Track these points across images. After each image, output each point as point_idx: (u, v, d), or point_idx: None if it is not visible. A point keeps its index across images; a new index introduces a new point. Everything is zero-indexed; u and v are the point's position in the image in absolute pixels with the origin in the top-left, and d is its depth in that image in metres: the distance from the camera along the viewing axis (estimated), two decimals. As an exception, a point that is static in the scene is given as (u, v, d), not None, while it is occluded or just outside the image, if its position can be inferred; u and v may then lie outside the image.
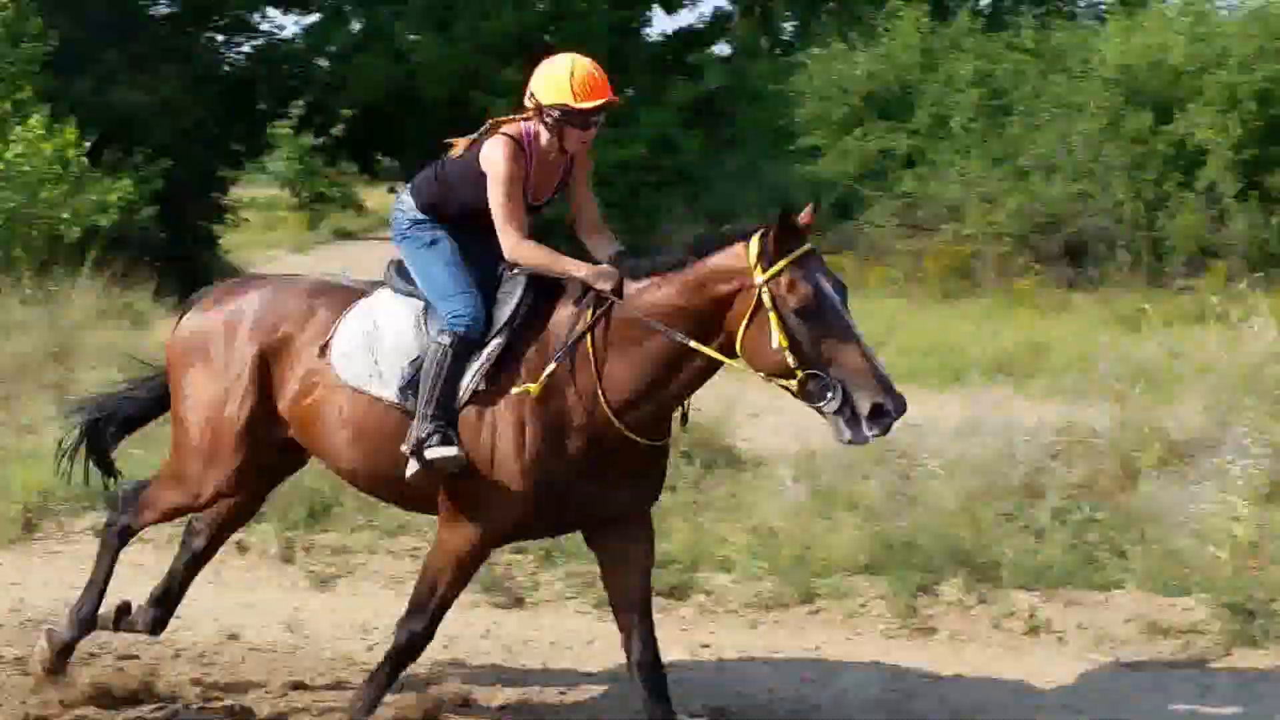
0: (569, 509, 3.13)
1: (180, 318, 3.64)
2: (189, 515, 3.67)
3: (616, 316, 2.95)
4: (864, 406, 2.67)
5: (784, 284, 2.75)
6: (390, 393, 3.11)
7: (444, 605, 3.16)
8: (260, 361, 3.28)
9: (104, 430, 3.76)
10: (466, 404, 3.01)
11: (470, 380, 3.01)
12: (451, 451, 2.92)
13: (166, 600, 3.63)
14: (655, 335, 2.90)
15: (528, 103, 3.15)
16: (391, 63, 20.64)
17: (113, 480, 3.79)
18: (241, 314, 3.40)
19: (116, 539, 3.63)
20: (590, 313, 2.96)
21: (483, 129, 3.25)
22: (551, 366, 2.92)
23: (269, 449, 3.37)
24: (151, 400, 3.76)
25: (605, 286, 2.96)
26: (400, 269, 3.30)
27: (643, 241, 10.10)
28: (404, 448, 2.97)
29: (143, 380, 3.89)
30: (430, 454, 2.92)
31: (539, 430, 2.98)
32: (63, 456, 3.79)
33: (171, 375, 3.52)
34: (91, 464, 3.75)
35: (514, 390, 2.97)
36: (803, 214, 2.92)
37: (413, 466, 2.97)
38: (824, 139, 16.74)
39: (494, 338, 3.04)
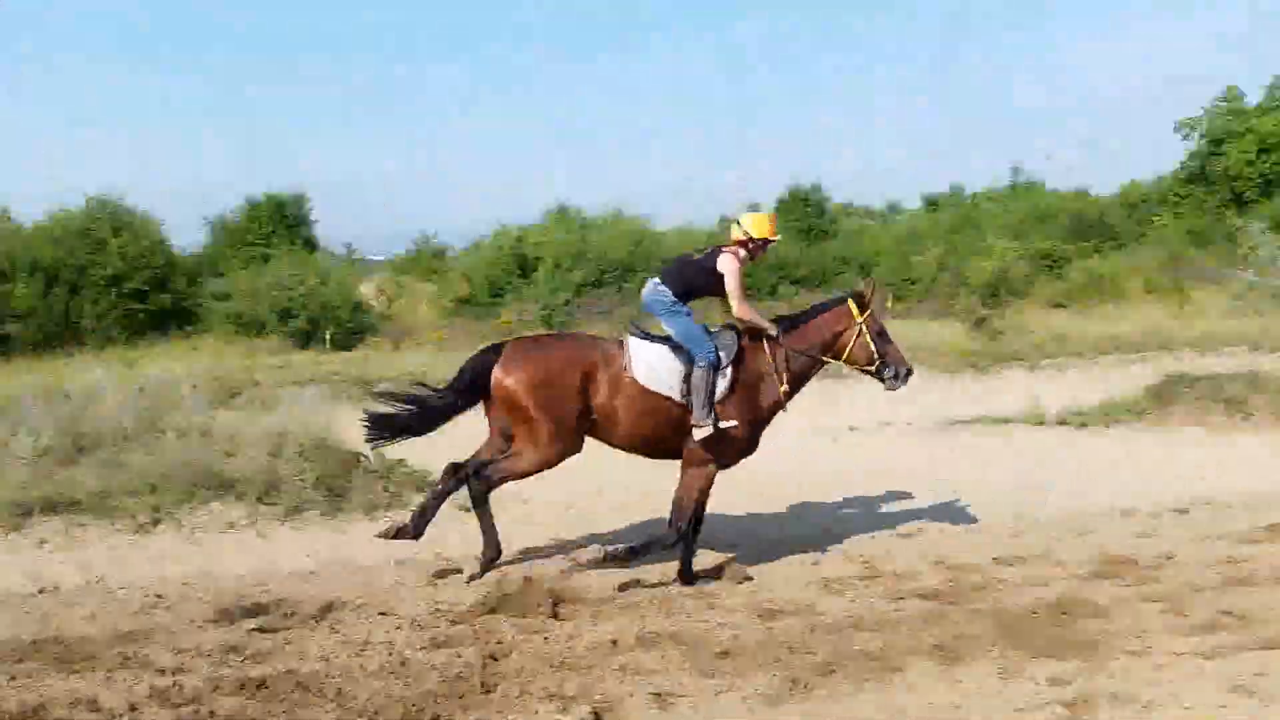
0: (756, 445, 6.22)
1: (507, 363, 5.84)
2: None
3: (784, 348, 6.19)
4: (903, 373, 6.38)
5: (871, 321, 6.38)
6: (675, 394, 5.87)
7: (696, 511, 6.01)
8: (583, 383, 5.81)
9: (408, 417, 6.01)
10: (720, 400, 5.91)
11: (723, 386, 5.93)
12: (720, 424, 5.83)
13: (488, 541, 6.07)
14: (803, 357, 6.27)
15: (738, 234, 6.19)
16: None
17: (385, 445, 6.18)
18: (566, 359, 5.89)
19: (483, 498, 5.95)
20: (778, 348, 6.19)
21: (706, 250, 6.27)
22: (777, 377, 6.13)
23: (582, 433, 5.94)
24: (446, 406, 6.02)
25: (775, 333, 6.19)
26: (641, 330, 6.15)
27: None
28: (693, 422, 5.82)
29: (437, 392, 6.10)
30: (706, 429, 5.80)
31: (756, 408, 6.10)
32: (374, 425, 6.01)
33: (523, 397, 5.74)
34: (391, 435, 6.04)
35: (767, 389, 6.13)
36: (867, 286, 6.49)
37: (697, 435, 5.82)
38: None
39: (728, 366, 5.99)
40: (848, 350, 6.28)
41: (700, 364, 5.81)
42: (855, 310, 6.27)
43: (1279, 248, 19.74)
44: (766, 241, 6.16)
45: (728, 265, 6.02)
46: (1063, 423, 10.50)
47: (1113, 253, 26.70)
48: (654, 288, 6.08)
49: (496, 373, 5.81)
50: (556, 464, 5.89)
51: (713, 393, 5.82)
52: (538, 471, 5.91)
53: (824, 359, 6.31)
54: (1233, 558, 6.18)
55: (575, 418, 5.79)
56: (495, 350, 5.99)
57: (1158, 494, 7.98)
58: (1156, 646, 4.62)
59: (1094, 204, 32.16)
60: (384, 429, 6.01)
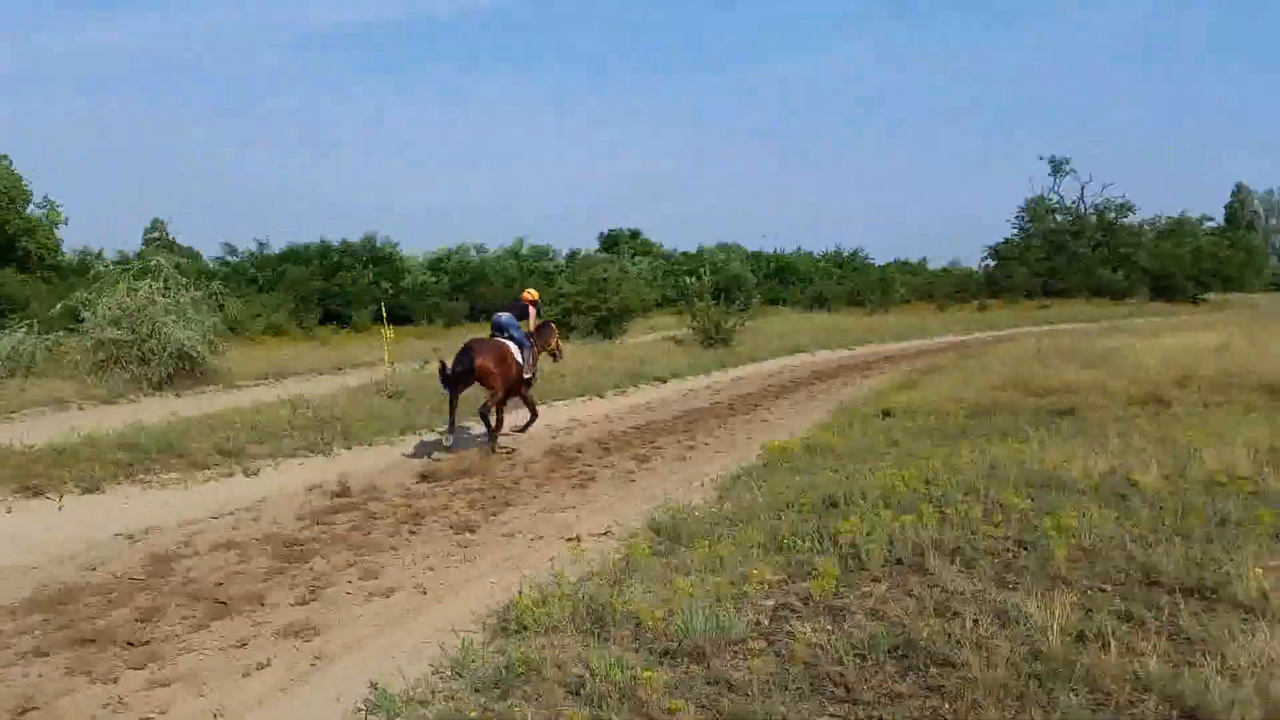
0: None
1: (474, 350, 11.30)
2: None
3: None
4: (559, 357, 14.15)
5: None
6: (526, 365, 12.01)
7: (530, 409, 12.80)
8: (504, 357, 11.50)
9: (450, 378, 11.24)
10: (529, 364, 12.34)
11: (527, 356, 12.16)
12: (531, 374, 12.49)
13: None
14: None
15: (529, 295, 13.15)
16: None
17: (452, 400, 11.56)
18: (503, 346, 11.69)
19: (485, 410, 11.33)
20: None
21: (522, 296, 13.03)
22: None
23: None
24: (463, 373, 11.17)
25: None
26: (509, 335, 12.08)
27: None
28: (527, 375, 12.18)
29: (456, 366, 11.21)
30: (530, 375, 12.43)
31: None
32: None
33: (493, 369, 11.21)
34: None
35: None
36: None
37: (527, 376, 12.32)
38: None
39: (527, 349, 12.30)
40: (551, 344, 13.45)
41: (526, 348, 12.12)
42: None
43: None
44: (536, 301, 13.07)
45: (530, 309, 12.80)
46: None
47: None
48: (507, 317, 12.41)
49: (477, 358, 11.26)
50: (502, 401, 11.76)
51: (531, 360, 12.21)
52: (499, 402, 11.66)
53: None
54: None
55: (512, 378, 11.78)
56: (469, 349, 11.41)
57: None
58: None
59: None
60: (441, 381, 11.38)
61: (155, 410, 13.63)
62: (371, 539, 7.48)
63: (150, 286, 17.72)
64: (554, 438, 12.45)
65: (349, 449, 11.35)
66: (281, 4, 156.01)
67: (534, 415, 12.62)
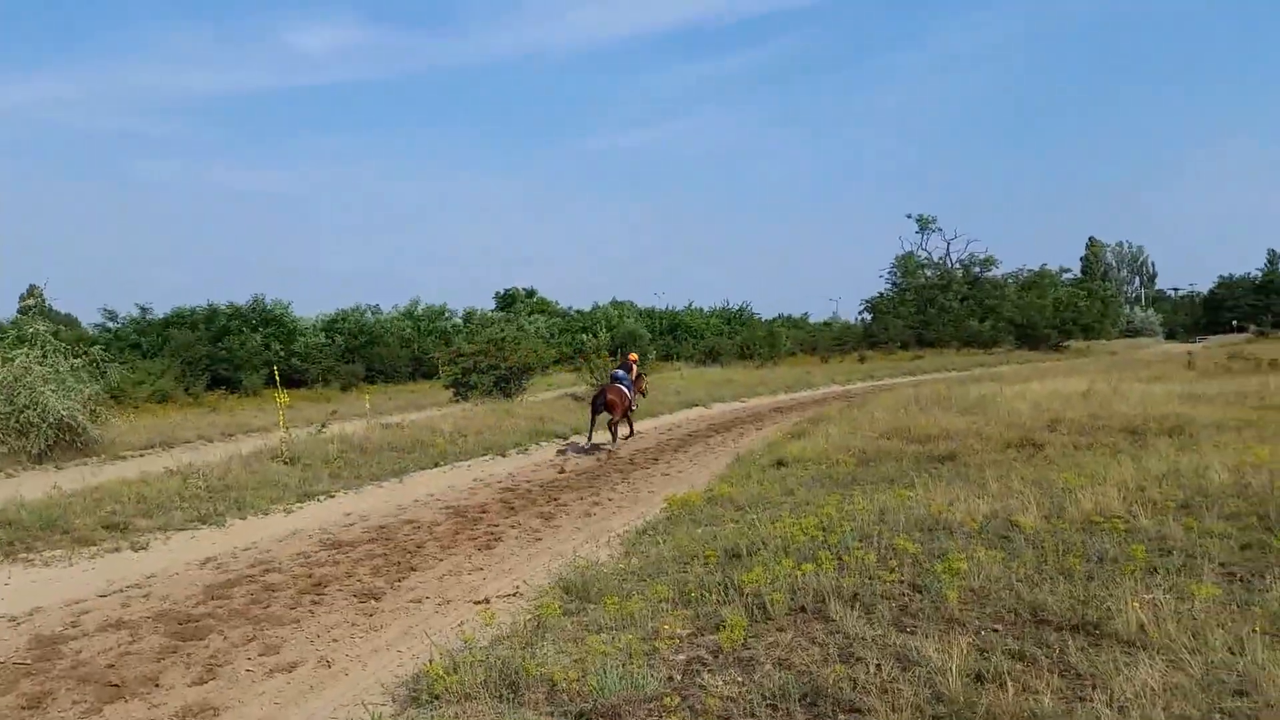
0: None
1: (606, 391, 17.68)
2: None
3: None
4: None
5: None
6: (631, 401, 18.59)
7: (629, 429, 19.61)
8: (621, 395, 17.70)
9: (593, 407, 17.70)
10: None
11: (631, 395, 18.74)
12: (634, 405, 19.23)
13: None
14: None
15: (633, 355, 21.69)
16: None
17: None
18: (620, 388, 17.83)
19: (612, 424, 17.77)
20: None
21: (628, 357, 20.82)
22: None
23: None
24: (600, 404, 17.50)
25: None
26: (623, 382, 18.26)
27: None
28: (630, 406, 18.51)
29: (597, 399, 17.65)
30: (633, 404, 19.31)
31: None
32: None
33: (616, 401, 17.42)
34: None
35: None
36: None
37: (633, 406, 19.15)
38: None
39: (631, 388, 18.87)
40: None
41: (631, 390, 18.24)
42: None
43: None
44: (636, 360, 20.52)
45: (634, 366, 19.63)
46: None
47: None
48: (621, 373, 18.69)
49: (609, 395, 17.36)
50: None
51: (632, 397, 18.32)
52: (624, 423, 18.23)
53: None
54: None
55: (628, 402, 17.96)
56: (603, 390, 17.70)
57: None
58: None
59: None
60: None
61: (35, 484, 12.83)
62: (271, 612, 7.17)
63: (27, 355, 16.81)
64: (458, 499, 12.22)
65: (243, 519, 10.88)
66: (164, 70, 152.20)
67: (631, 431, 18.90)
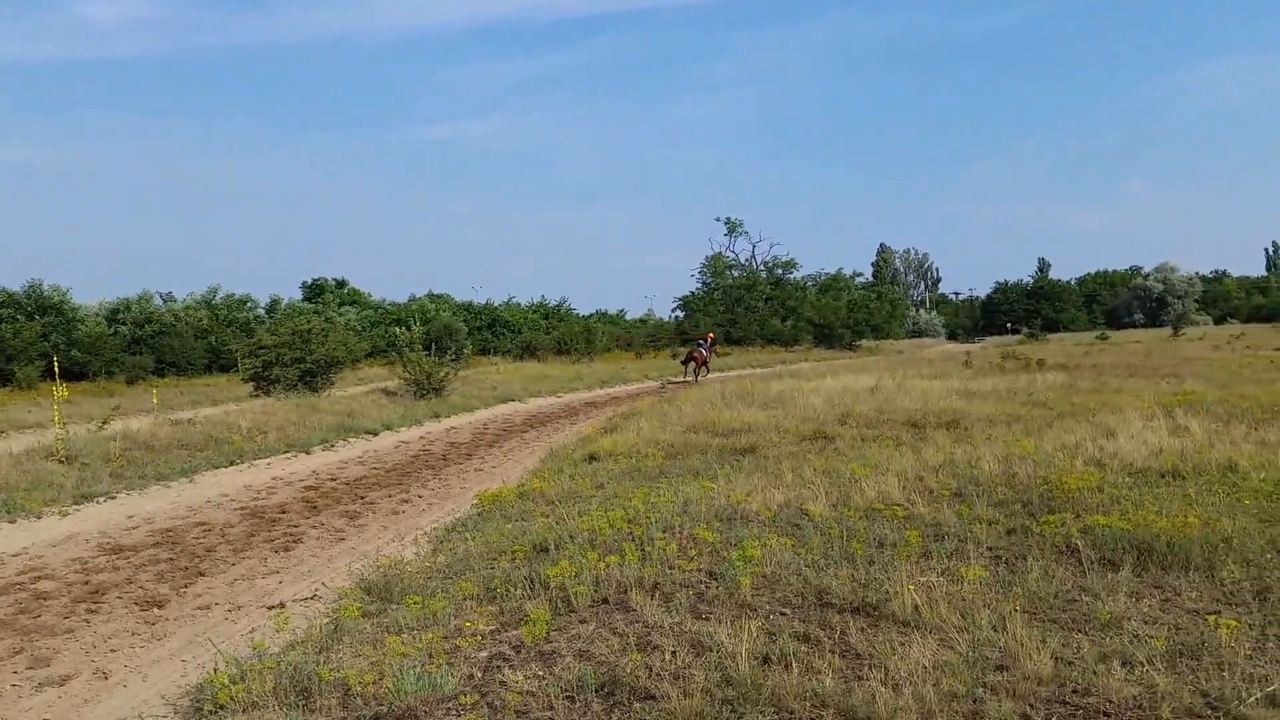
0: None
1: (692, 351, 35.13)
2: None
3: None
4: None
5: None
6: (708, 359, 36.66)
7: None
8: (702, 353, 35.16)
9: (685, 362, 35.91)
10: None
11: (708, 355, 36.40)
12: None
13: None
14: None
15: (709, 333, 42.82)
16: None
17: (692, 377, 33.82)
18: (701, 350, 35.00)
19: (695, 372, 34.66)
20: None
21: (706, 336, 38.64)
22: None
23: None
24: (688, 358, 35.32)
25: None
26: (702, 345, 35.68)
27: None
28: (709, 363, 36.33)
29: (687, 357, 35.42)
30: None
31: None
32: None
33: (699, 355, 34.44)
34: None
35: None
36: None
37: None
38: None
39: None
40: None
41: (708, 351, 35.28)
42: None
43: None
44: (707, 336, 38.31)
45: (709, 342, 36.76)
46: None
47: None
48: (703, 342, 35.68)
49: (697, 352, 34.53)
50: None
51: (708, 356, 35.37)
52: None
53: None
54: None
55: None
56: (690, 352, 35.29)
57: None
58: None
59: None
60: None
61: None
62: (42, 622, 6.55)
63: None
64: (255, 498, 11.57)
65: (12, 522, 9.91)
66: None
67: (709, 372, 32.50)
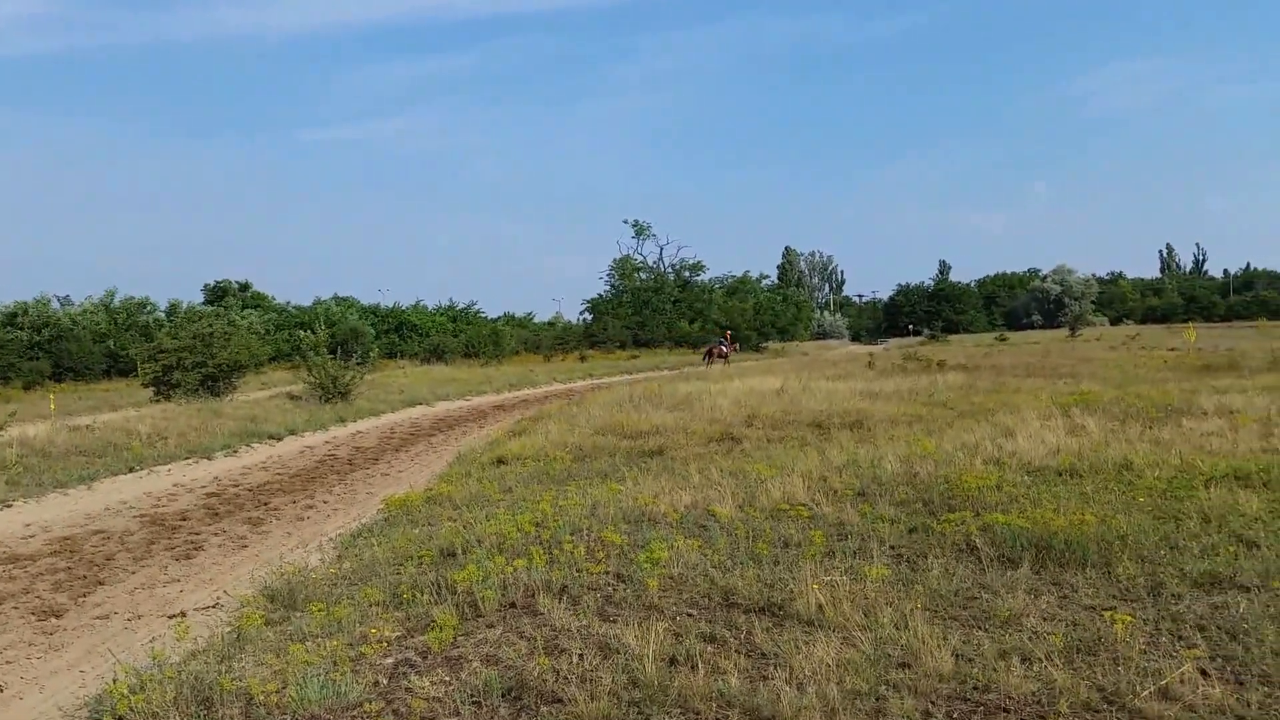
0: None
1: (712, 346, 49.98)
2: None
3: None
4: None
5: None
6: (728, 353, 51.19)
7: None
8: (724, 348, 49.96)
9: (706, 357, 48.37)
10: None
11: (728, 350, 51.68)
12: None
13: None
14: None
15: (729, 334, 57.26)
16: None
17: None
18: (721, 345, 50.12)
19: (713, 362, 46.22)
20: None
21: (725, 335, 56.20)
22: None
23: None
24: (710, 353, 48.61)
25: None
26: (723, 342, 51.68)
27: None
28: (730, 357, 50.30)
29: (708, 353, 48.66)
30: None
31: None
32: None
33: (720, 351, 48.42)
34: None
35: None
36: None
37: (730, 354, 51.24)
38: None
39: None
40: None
41: (728, 347, 50.50)
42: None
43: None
44: (732, 331, 59.64)
45: (729, 339, 54.43)
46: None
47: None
48: (724, 340, 52.30)
49: (717, 348, 48.66)
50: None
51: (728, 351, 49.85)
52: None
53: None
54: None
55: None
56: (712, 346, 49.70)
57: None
58: None
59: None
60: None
61: None
62: (-80, 640, 6.19)
63: None
64: (156, 505, 11.12)
65: (-112, 535, 9.32)
66: None
67: (728, 363, 43.07)
